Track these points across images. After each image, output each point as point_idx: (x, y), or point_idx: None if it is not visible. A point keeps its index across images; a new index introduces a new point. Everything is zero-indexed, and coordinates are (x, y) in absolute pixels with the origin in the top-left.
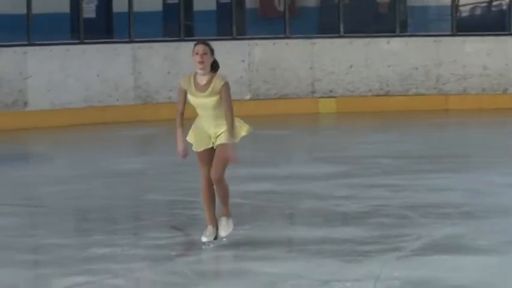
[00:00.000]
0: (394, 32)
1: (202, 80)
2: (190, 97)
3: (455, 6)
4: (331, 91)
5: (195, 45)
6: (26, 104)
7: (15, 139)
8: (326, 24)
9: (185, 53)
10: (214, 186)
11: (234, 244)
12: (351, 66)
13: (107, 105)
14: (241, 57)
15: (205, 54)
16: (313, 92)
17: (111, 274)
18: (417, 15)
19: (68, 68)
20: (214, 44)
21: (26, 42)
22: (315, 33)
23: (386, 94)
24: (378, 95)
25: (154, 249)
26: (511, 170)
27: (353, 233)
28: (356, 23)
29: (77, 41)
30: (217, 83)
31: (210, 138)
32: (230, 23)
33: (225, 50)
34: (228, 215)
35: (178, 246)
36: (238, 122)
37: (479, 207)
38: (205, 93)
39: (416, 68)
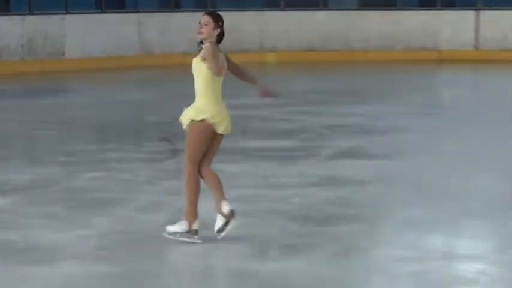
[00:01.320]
0: (319, 7)
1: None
2: None
3: None
4: (274, 47)
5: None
6: (63, 53)
7: (55, 79)
8: (272, 1)
9: (176, 21)
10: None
11: None
12: (287, 30)
13: (120, 55)
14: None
15: (206, 25)
16: (261, 48)
17: (119, 171)
18: None
19: (93, 29)
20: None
21: (64, 11)
22: (263, 7)
23: (313, 50)
24: (307, 50)
25: (149, 154)
26: (399, 102)
27: (286, 144)
28: (297, 1)
29: (100, 11)
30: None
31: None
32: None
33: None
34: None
35: (166, 152)
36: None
37: (376, 127)
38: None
39: (333, 32)
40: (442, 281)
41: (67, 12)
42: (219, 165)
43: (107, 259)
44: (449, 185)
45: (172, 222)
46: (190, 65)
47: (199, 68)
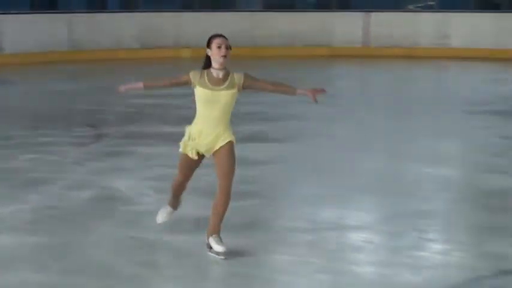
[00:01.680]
0: (229, 8)
1: (219, 74)
2: (201, 90)
3: None
4: (188, 44)
5: (215, 37)
6: (2, 49)
7: None
8: (190, 3)
9: (101, 20)
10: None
11: (127, 136)
12: (201, 29)
13: (53, 50)
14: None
15: (227, 49)
16: (177, 44)
17: (50, 153)
18: None
19: (30, 27)
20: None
21: (2, 12)
22: (180, 8)
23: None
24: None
25: (77, 138)
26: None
27: None
28: (209, 3)
29: (35, 11)
30: (235, 77)
31: (199, 147)
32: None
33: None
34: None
35: (91, 137)
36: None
37: (276, 114)
38: (222, 87)
39: (241, 31)
40: (334, 249)
41: (5, 13)
42: (140, 147)
43: (38, 231)
44: (342, 165)
45: (98, 198)
46: (114, 60)
47: (233, 98)
